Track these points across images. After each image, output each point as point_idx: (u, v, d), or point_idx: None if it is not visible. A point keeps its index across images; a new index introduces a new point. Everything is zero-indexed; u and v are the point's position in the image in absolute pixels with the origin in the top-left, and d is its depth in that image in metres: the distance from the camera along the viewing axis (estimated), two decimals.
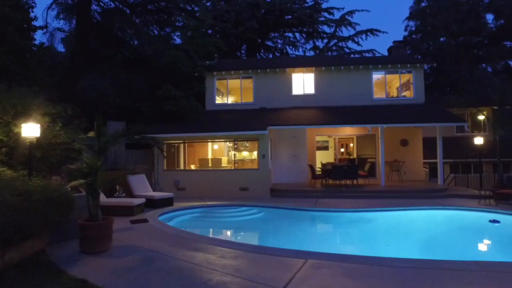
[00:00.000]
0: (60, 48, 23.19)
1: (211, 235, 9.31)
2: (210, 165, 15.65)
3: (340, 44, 34.10)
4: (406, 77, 17.85)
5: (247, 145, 17.30)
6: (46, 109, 7.96)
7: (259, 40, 31.09)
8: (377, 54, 31.48)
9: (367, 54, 31.88)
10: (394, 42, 21.39)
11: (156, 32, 23.84)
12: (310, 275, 4.92)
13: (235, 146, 16.77)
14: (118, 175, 12.70)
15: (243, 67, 18.21)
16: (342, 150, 21.84)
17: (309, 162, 16.84)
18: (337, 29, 33.44)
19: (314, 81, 17.43)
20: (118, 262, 5.71)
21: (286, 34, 34.23)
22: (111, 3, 21.50)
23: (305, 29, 33.40)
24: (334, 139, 19.13)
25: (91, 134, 6.98)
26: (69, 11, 19.81)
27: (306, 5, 32.38)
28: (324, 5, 32.60)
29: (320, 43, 34.38)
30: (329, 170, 15.06)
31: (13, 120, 7.77)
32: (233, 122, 15.52)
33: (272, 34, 33.99)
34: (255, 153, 15.51)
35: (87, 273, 5.05)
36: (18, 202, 5.31)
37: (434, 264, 5.35)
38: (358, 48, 33.36)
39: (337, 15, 33.00)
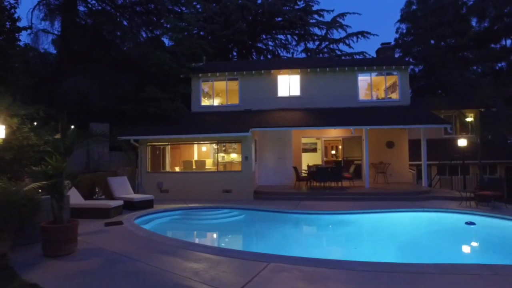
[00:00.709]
0: (53, 49, 23.15)
1: (184, 238, 9.23)
2: (194, 167, 15.57)
3: (331, 46, 34.19)
4: (393, 79, 17.87)
5: (235, 147, 17.22)
6: (15, 110, 7.85)
7: (250, 42, 31.04)
8: (367, 57, 31.55)
9: (357, 56, 31.94)
10: (382, 44, 21.41)
11: (144, 34, 23.77)
12: (267, 279, 4.87)
13: (224, 148, 16.71)
14: (98, 177, 12.74)
15: (228, 69, 18.15)
16: (334, 152, 21.83)
17: (295, 164, 16.79)
18: (329, 31, 33.52)
19: (299, 83, 17.41)
20: (77, 266, 5.63)
21: (278, 36, 34.29)
22: (98, 5, 21.40)
23: (296, 31, 33.46)
24: (322, 141, 19.10)
25: (58, 136, 6.89)
26: (54, 13, 19.69)
27: (297, 7, 32.41)
28: (315, 7, 32.60)
29: (311, 45, 34.45)
30: (314, 172, 15.02)
31: None
32: (217, 124, 15.48)
33: (264, 36, 34.03)
34: (240, 155, 15.44)
35: (41, 277, 4.97)
36: None
37: (395, 267, 5.32)
38: (349, 50, 33.36)
39: (328, 17, 33.19)
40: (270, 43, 34.51)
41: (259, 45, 34.22)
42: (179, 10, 24.54)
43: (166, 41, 22.05)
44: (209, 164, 16.32)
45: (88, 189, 11.75)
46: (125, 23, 23.04)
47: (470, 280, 4.79)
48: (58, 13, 19.63)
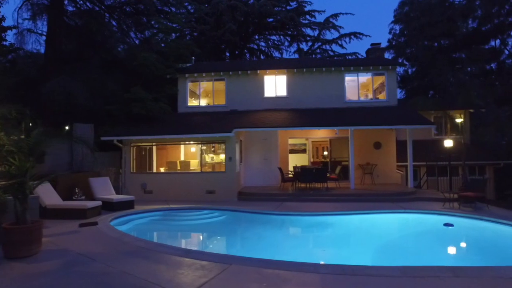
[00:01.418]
0: (43, 49, 22.99)
1: (158, 239, 9.19)
2: (178, 167, 15.46)
3: (324, 47, 34.17)
4: (380, 79, 17.80)
5: (223, 147, 17.08)
6: None
7: (242, 43, 30.97)
8: (360, 57, 31.50)
9: (350, 57, 31.89)
10: (372, 44, 21.35)
11: (133, 35, 23.68)
12: (222, 282, 4.78)
13: (213, 149, 16.60)
14: (79, 178, 12.61)
15: (215, 69, 18.04)
16: (326, 153, 21.69)
17: (282, 165, 16.72)
18: (321, 32, 33.49)
19: (286, 83, 17.33)
20: (36, 267, 5.53)
21: (271, 37, 34.24)
22: (86, 6, 21.29)
23: (289, 32, 33.41)
24: (310, 142, 19.02)
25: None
26: (41, 12, 19.56)
27: (290, 7, 32.38)
28: (307, 8, 32.58)
29: (304, 46, 34.42)
30: (298, 173, 14.92)
31: None
32: (201, 125, 15.39)
33: (257, 37, 33.99)
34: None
35: None
36: None
37: (358, 270, 5.24)
38: (342, 51, 33.34)
39: (321, 18, 33.13)
40: (262, 44, 34.50)
41: (253, 46, 34.21)
42: (169, 11, 24.41)
43: (155, 41, 21.91)
44: (196, 165, 16.21)
45: (68, 190, 11.63)
46: (114, 23, 22.94)
47: (430, 283, 4.73)
48: (44, 13, 19.49)
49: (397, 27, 35.95)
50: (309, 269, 5.28)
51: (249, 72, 17.37)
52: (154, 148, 15.56)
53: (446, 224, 9.23)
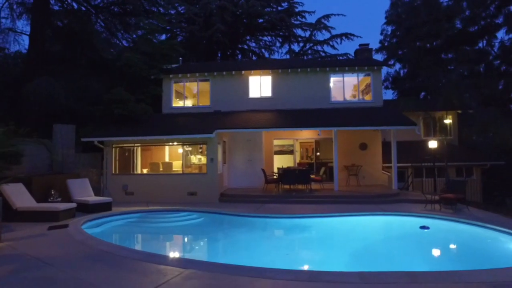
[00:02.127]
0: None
1: (128, 242, 9.02)
2: (161, 169, 15.28)
3: (315, 47, 34.10)
4: (367, 80, 17.67)
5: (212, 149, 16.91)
6: None
7: (231, 44, 30.81)
8: (351, 58, 31.43)
9: (341, 58, 31.81)
10: (360, 45, 21.24)
11: (120, 35, 23.49)
12: (171, 286, 4.62)
13: (200, 150, 16.40)
14: (57, 179, 12.40)
15: (200, 70, 17.87)
16: (318, 154, 21.52)
17: (266, 166, 16.56)
18: (313, 33, 33.40)
19: (271, 84, 17.18)
20: None
21: (262, 38, 34.12)
22: (72, 5, 21.09)
23: (280, 33, 33.32)
24: (297, 143, 18.86)
25: None
26: (25, 12, 19.35)
27: (281, 8, 32.28)
28: (298, 9, 32.50)
29: (296, 47, 34.34)
30: (281, 175, 14.77)
31: None
32: (183, 126, 15.23)
33: (248, 38, 33.85)
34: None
35: None
36: None
37: (317, 276, 5.11)
38: (334, 52, 33.27)
39: (313, 19, 33.02)
40: (254, 44, 34.38)
41: (244, 46, 34.07)
42: (157, 11, 24.23)
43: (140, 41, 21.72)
44: (179, 166, 16.01)
45: (44, 192, 11.41)
46: (101, 23, 22.74)
47: None
48: (28, 11, 19.25)
49: (389, 28, 35.91)
50: (267, 275, 5.10)
51: (233, 72, 17.21)
52: (139, 149, 15.39)
53: (422, 227, 9.10)
